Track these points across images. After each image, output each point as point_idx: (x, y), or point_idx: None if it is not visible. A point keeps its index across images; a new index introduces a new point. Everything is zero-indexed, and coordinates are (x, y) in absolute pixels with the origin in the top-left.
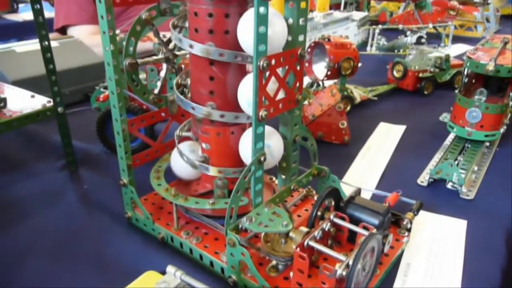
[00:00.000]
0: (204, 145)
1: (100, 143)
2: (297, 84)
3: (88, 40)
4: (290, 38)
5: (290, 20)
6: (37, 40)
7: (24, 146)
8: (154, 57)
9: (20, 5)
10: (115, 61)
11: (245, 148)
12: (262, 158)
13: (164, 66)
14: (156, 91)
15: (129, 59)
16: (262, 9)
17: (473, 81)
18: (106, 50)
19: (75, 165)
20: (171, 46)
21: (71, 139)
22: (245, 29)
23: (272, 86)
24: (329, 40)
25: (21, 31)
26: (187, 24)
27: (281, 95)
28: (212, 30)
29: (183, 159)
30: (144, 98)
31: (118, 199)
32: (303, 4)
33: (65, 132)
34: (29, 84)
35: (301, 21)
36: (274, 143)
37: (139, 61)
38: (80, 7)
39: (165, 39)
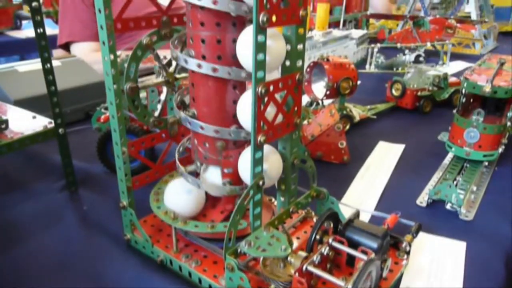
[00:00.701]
0: (226, 170)
1: (100, 163)
2: (296, 109)
3: (89, 58)
4: (288, 63)
5: (288, 46)
6: (40, 59)
7: (24, 166)
8: (155, 80)
9: (24, 22)
10: (116, 86)
11: (244, 167)
12: (260, 183)
13: (164, 89)
14: (156, 113)
15: (130, 83)
16: (260, 37)
17: (471, 100)
18: (107, 75)
19: (75, 186)
20: (171, 69)
21: (72, 159)
22: (244, 53)
23: (270, 109)
24: (328, 60)
25: (24, 48)
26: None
27: (279, 118)
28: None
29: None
30: (145, 120)
31: (118, 220)
32: (301, 30)
33: (65, 153)
34: (31, 103)
35: (299, 46)
36: (271, 166)
37: (140, 85)
38: (83, 24)
39: (165, 60)
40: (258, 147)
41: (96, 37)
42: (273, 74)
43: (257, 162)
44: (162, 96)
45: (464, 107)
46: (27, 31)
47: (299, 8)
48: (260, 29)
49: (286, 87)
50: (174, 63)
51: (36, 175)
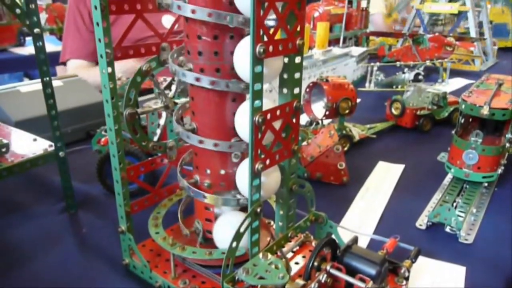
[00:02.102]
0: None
1: (100, 184)
2: (293, 136)
3: (83, 73)
4: (285, 91)
5: (285, 75)
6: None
7: (24, 187)
8: (154, 106)
9: (27, 38)
10: (115, 112)
11: (242, 178)
12: (258, 210)
13: (164, 114)
14: (155, 138)
15: (129, 109)
16: (257, 68)
17: (470, 120)
18: (107, 102)
19: (74, 208)
20: (170, 94)
21: (72, 181)
22: (241, 65)
23: (268, 136)
24: (327, 80)
25: (27, 65)
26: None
27: (277, 145)
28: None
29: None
30: (144, 145)
31: (116, 244)
32: (298, 59)
33: (65, 176)
34: (32, 123)
35: (296, 75)
36: (269, 181)
37: (139, 110)
38: (82, 43)
39: (165, 83)
40: (255, 175)
41: (91, 57)
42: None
43: (255, 189)
44: (162, 121)
45: (463, 128)
46: (30, 48)
47: (296, 38)
48: (257, 60)
49: (283, 115)
50: (173, 87)
51: (36, 197)
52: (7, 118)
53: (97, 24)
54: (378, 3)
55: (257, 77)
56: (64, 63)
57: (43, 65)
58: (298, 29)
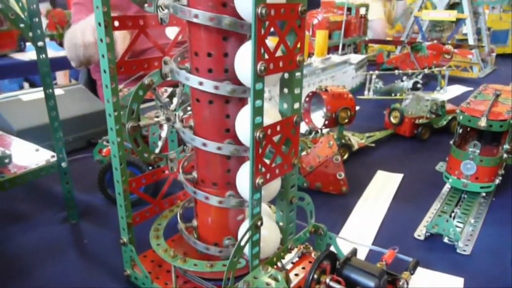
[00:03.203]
0: None
1: (101, 194)
2: (293, 150)
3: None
4: (285, 106)
5: (285, 90)
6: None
7: (26, 196)
8: (156, 119)
9: (27, 44)
10: (118, 126)
11: (242, 180)
12: (259, 223)
13: (165, 126)
14: (157, 150)
15: (132, 122)
16: (258, 85)
17: (468, 130)
18: (110, 116)
19: (76, 217)
20: (172, 107)
21: (74, 190)
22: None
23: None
24: (326, 90)
25: (28, 70)
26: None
27: (277, 160)
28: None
29: None
30: (146, 158)
31: (118, 254)
32: (298, 75)
33: (67, 187)
34: (34, 133)
35: (296, 90)
36: (269, 188)
37: (141, 123)
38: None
39: (166, 94)
40: (256, 189)
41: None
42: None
43: (256, 203)
44: (163, 134)
45: (461, 138)
46: (31, 54)
47: (296, 54)
48: (258, 77)
49: (284, 130)
50: (175, 100)
51: (37, 206)
52: (9, 127)
53: (101, 40)
54: (377, 9)
55: (258, 94)
56: None
57: (46, 77)
58: (299, 45)
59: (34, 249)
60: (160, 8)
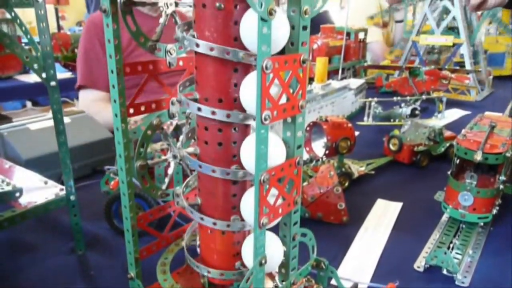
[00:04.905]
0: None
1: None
2: (296, 189)
3: (91, 108)
4: (288, 149)
5: (288, 133)
6: (50, 116)
7: (33, 226)
8: (163, 157)
9: None
10: (127, 165)
11: (246, 206)
12: (263, 261)
13: (172, 163)
14: (164, 186)
15: (140, 161)
16: (263, 132)
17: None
18: (120, 157)
19: (83, 248)
20: (178, 145)
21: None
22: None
23: (272, 192)
24: (326, 120)
25: (32, 92)
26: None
27: (280, 200)
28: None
29: None
30: (153, 194)
31: (124, 286)
32: (300, 119)
33: (75, 219)
34: (42, 162)
35: (298, 133)
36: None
37: (149, 162)
38: (98, 71)
39: (172, 127)
40: (260, 229)
41: (103, 85)
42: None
43: (259, 242)
44: (170, 170)
45: (458, 168)
46: (35, 76)
47: (298, 100)
48: (262, 125)
49: (287, 172)
50: (181, 137)
51: (45, 236)
52: (18, 156)
53: (113, 86)
54: (375, 32)
55: (263, 140)
56: (78, 90)
57: (58, 114)
58: (301, 92)
59: (41, 279)
60: (168, 52)
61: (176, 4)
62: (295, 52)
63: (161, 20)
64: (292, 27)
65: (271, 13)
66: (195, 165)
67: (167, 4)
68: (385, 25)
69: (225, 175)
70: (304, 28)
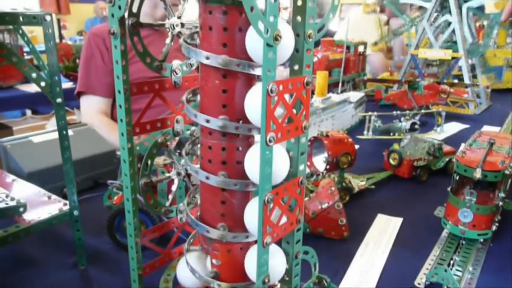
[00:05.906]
0: (214, 261)
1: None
2: (298, 208)
3: (92, 119)
4: (291, 169)
5: (292, 153)
6: (54, 128)
7: (36, 241)
8: (167, 174)
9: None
10: (133, 183)
11: (250, 217)
12: (266, 280)
13: (176, 180)
14: (167, 203)
15: (145, 179)
16: (268, 153)
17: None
18: (126, 175)
19: (85, 263)
20: (183, 162)
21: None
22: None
23: (276, 212)
24: (327, 135)
25: (33, 102)
26: None
27: (284, 219)
28: (225, 161)
29: (195, 276)
30: (157, 211)
31: None
32: (303, 140)
33: (78, 234)
34: (44, 175)
35: (302, 154)
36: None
37: (154, 179)
38: (99, 80)
39: (175, 142)
40: (264, 248)
41: (106, 92)
42: None
43: (262, 263)
44: (173, 187)
45: (458, 184)
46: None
47: (302, 122)
48: (267, 147)
49: (290, 191)
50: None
51: (47, 251)
52: (20, 170)
53: (120, 106)
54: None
55: (267, 162)
56: (78, 96)
57: (63, 130)
58: (304, 113)
59: None
60: (174, 72)
61: (182, 25)
62: (299, 75)
63: (167, 41)
64: (297, 51)
65: (276, 38)
66: (202, 177)
67: (173, 25)
68: (389, 50)
69: (233, 186)
70: (308, 51)
